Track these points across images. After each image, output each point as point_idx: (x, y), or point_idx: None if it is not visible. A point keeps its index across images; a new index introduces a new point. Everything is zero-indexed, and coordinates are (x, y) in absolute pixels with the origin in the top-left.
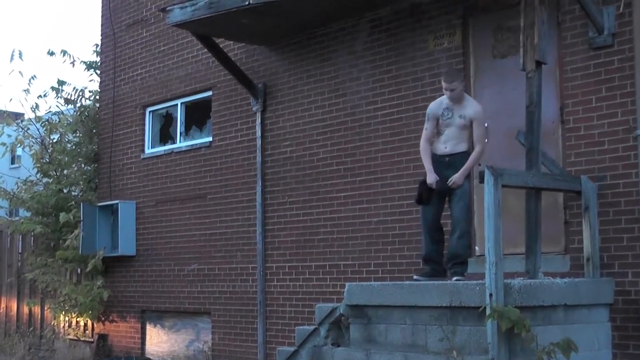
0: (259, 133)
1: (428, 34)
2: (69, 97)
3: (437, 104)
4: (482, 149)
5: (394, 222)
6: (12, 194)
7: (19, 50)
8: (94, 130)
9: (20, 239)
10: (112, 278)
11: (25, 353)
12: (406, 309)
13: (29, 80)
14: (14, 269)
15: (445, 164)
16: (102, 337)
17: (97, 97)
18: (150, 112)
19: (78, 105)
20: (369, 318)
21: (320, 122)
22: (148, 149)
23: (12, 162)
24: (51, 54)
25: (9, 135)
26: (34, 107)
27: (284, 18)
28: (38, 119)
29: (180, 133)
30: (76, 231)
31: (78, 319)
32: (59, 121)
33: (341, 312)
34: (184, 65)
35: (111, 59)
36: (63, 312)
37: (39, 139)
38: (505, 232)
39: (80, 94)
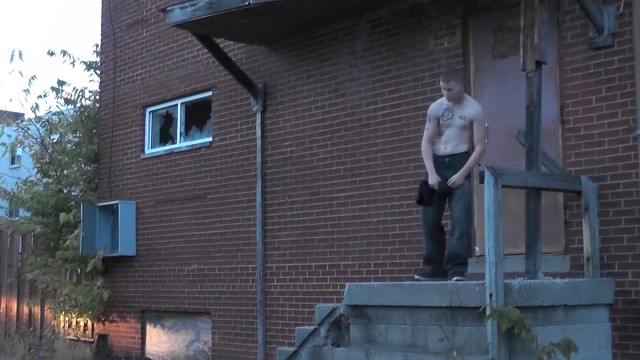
0: (259, 133)
1: (428, 34)
2: (69, 97)
3: (438, 105)
4: (482, 150)
5: (394, 222)
6: (12, 194)
7: (19, 51)
8: (94, 131)
9: (20, 239)
10: (112, 278)
11: (25, 353)
12: (406, 309)
13: (29, 81)
14: (14, 269)
15: (446, 164)
16: (102, 337)
17: (97, 97)
18: (150, 112)
19: (78, 105)
20: (369, 318)
21: (320, 122)
22: (148, 149)
23: (12, 162)
24: (51, 54)
25: (9, 136)
26: (34, 107)
27: (284, 18)
28: (38, 119)
29: (180, 133)
30: (76, 231)
31: (78, 319)
32: (59, 121)
33: (341, 312)
34: (184, 65)
35: (111, 59)
36: (63, 312)
37: (39, 139)
38: (505, 232)
39: (80, 94)
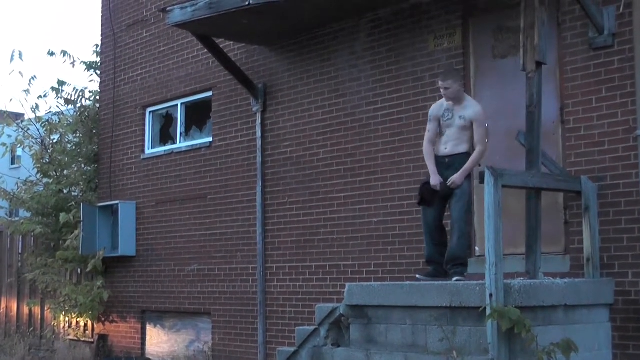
0: (259, 133)
1: (428, 35)
2: (69, 97)
3: (439, 105)
4: (482, 150)
5: (394, 222)
6: (12, 194)
7: (19, 51)
8: (94, 131)
9: (21, 239)
10: (112, 278)
11: (26, 353)
12: (406, 309)
13: (29, 81)
14: (14, 269)
15: (445, 164)
16: (102, 338)
17: (97, 97)
18: (150, 112)
19: (78, 105)
20: (369, 318)
21: (320, 122)
22: (148, 149)
23: (12, 163)
24: (51, 54)
25: (9, 136)
26: (34, 107)
27: (284, 18)
28: (38, 119)
29: (181, 133)
30: (76, 231)
31: (78, 320)
32: (59, 121)
33: (341, 312)
34: (184, 65)
35: (111, 59)
36: (63, 313)
37: (39, 140)
38: (506, 233)
39: (81, 94)
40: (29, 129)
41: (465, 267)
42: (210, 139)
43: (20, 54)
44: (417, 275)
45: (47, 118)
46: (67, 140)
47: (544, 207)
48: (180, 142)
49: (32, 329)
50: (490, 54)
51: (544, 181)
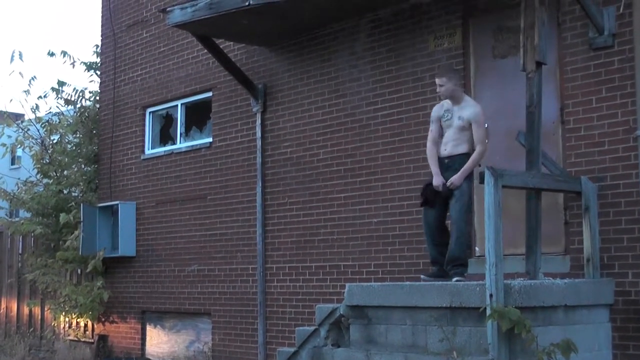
0: (259, 134)
1: (428, 35)
2: (69, 97)
3: (440, 106)
4: (482, 150)
5: (394, 222)
6: (12, 194)
7: (19, 51)
8: (94, 131)
9: (21, 239)
10: (112, 279)
11: (26, 354)
12: (406, 309)
13: (29, 81)
14: (14, 269)
15: (445, 165)
16: (103, 338)
17: (97, 97)
18: (150, 112)
19: (78, 106)
20: (369, 319)
21: (320, 122)
22: (148, 149)
23: (12, 163)
24: (51, 54)
25: (9, 136)
26: (34, 107)
27: (284, 19)
28: (38, 119)
29: (181, 134)
30: (76, 232)
31: (78, 320)
32: (59, 122)
33: (341, 312)
34: (184, 66)
35: (111, 59)
36: (63, 313)
37: (39, 140)
38: (506, 233)
39: (81, 94)
40: (29, 129)
41: (465, 267)
42: (210, 140)
43: (20, 55)
44: (422, 276)
45: (47, 118)
46: (67, 140)
47: (544, 207)
48: (180, 142)
49: (32, 329)
50: (490, 54)
51: (544, 181)
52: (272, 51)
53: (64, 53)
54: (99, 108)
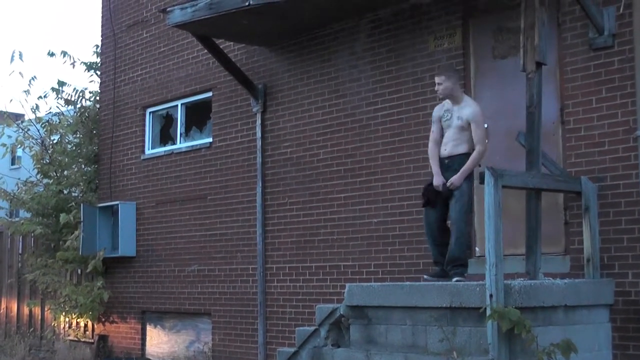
0: (259, 134)
1: (428, 35)
2: (69, 98)
3: (440, 106)
4: (481, 150)
5: (394, 223)
6: (12, 195)
7: (19, 51)
8: (94, 131)
9: (21, 239)
10: (113, 279)
11: (26, 354)
12: (406, 309)
13: (29, 81)
14: (15, 269)
15: (445, 166)
16: (103, 338)
17: (98, 98)
18: (150, 113)
19: (78, 106)
20: (369, 319)
21: (320, 123)
22: (148, 149)
23: (13, 163)
24: (51, 54)
25: (9, 136)
26: (34, 108)
27: (284, 19)
28: (38, 119)
29: (181, 134)
30: (76, 232)
31: (78, 320)
32: (59, 122)
33: (341, 312)
34: (184, 66)
35: (111, 59)
36: (63, 313)
37: (39, 140)
38: (506, 233)
39: (81, 94)
40: (29, 129)
41: (465, 267)
42: (210, 140)
43: (21, 55)
44: (425, 276)
45: (47, 118)
46: (67, 140)
47: (544, 207)
48: (180, 142)
49: (32, 329)
50: (490, 55)
51: (544, 182)
52: (272, 51)
53: (64, 53)
54: (99, 108)
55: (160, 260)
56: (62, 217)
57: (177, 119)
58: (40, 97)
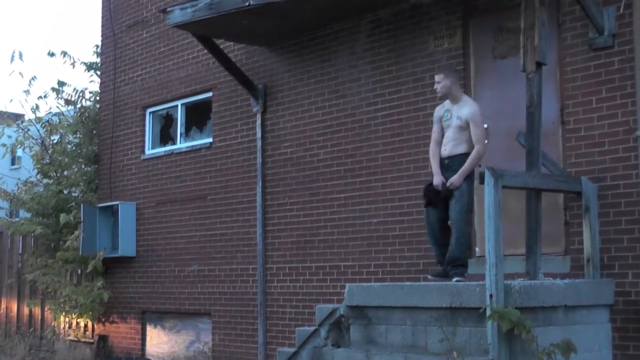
0: (259, 134)
1: (428, 35)
2: (69, 98)
3: (441, 106)
4: (480, 150)
5: (395, 223)
6: (12, 195)
7: (19, 51)
8: (94, 131)
9: (21, 240)
10: (113, 279)
11: (26, 354)
12: (406, 309)
13: (29, 81)
14: (15, 270)
15: (445, 166)
16: (103, 338)
17: (98, 98)
18: (150, 113)
19: (78, 106)
20: (369, 319)
21: (320, 123)
22: (148, 149)
23: (13, 163)
24: (51, 55)
25: (9, 136)
26: (34, 108)
27: (285, 19)
28: (38, 120)
29: (181, 134)
30: (76, 232)
31: (78, 320)
32: (59, 122)
33: (341, 313)
34: (184, 66)
35: (111, 60)
36: (63, 313)
37: (39, 140)
38: (506, 233)
39: (81, 95)
40: (29, 129)
41: (465, 267)
42: (211, 140)
43: (21, 55)
44: (429, 276)
45: (47, 119)
46: (67, 140)
47: (544, 207)
48: (180, 142)
49: (32, 329)
50: (490, 55)
51: (544, 182)
52: (272, 51)
53: (64, 53)
54: (99, 108)
55: (160, 260)
56: (62, 217)
57: (177, 119)
58: (40, 97)
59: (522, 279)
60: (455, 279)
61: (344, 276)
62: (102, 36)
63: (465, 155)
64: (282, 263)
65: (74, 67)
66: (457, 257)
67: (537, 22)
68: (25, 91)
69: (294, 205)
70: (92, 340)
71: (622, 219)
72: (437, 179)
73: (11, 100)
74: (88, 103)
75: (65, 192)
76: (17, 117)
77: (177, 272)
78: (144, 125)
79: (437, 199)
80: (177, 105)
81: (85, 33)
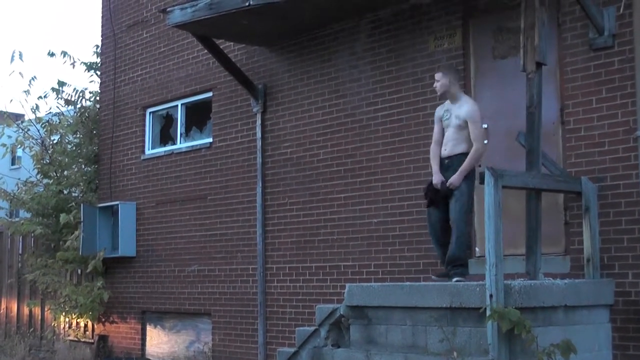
0: (259, 134)
1: (428, 35)
2: (69, 98)
3: (441, 106)
4: (479, 149)
5: (394, 223)
6: (12, 195)
7: (19, 51)
8: (94, 131)
9: (21, 240)
10: (113, 279)
11: (26, 354)
12: (406, 309)
13: (29, 81)
14: (15, 270)
15: (445, 166)
16: (103, 338)
17: (98, 98)
18: (150, 113)
19: (78, 106)
20: (369, 319)
21: (320, 123)
22: (148, 149)
23: (13, 163)
24: (51, 55)
25: (10, 137)
26: (34, 108)
27: (285, 19)
28: (38, 120)
29: (181, 134)
30: (76, 232)
31: (78, 320)
32: (59, 122)
33: (341, 313)
34: (184, 66)
35: (111, 60)
36: (63, 313)
37: (39, 140)
38: (506, 233)
39: (81, 95)
40: (29, 129)
41: (465, 267)
42: (211, 140)
43: (21, 55)
44: (433, 277)
45: (47, 119)
46: (67, 140)
47: (544, 207)
48: (180, 142)
49: (32, 329)
50: (490, 55)
51: (544, 182)
52: (272, 51)
53: (64, 53)
54: (99, 108)
55: (160, 260)
56: (62, 217)
57: (177, 119)
58: (40, 97)
59: (522, 279)
60: (455, 279)
61: (344, 276)
62: (102, 36)
63: (465, 154)
64: (282, 263)
65: (74, 67)
66: (457, 257)
67: (537, 22)
68: (25, 91)
69: (294, 205)
70: (92, 340)
71: (622, 219)
72: (437, 178)
73: (11, 100)
74: (88, 103)
75: (65, 192)
76: (17, 117)
77: (177, 272)
78: (144, 125)
79: (438, 198)
80: (177, 105)
81: (85, 33)
